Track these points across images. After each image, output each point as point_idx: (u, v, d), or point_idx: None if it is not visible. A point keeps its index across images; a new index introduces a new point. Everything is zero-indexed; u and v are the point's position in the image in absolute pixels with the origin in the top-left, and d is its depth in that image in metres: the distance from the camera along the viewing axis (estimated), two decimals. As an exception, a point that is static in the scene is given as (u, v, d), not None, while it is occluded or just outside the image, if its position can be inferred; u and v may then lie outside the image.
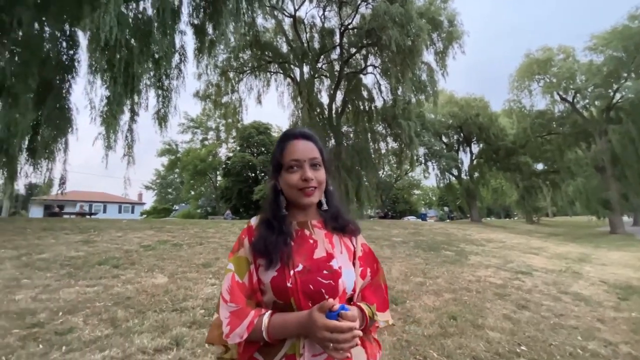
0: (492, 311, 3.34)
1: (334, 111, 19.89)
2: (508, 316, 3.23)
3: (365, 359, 0.79)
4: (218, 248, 5.37)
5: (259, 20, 16.97)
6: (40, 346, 2.06)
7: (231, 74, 19.29)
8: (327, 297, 0.73)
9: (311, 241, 0.82)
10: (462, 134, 31.12)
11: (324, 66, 20.99)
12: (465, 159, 31.70)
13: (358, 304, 0.80)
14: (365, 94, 20.51)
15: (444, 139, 33.14)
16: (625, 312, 3.61)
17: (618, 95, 21.11)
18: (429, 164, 33.01)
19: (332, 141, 19.61)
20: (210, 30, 8.91)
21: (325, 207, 0.88)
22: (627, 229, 23.18)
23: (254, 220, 0.85)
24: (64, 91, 7.14)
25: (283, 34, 19.58)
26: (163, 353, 2.12)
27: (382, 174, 38.07)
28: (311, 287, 0.74)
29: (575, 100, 23.03)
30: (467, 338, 2.70)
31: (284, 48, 20.14)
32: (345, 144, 19.24)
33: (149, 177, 49.47)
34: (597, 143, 21.64)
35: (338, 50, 19.48)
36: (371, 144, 20.01)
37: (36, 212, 29.14)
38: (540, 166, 31.55)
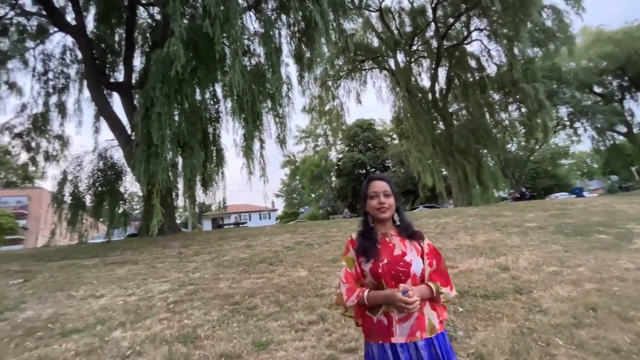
0: (657, 303, 2.85)
1: (437, 92, 18.63)
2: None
3: (436, 317, 1.23)
4: (341, 246, 6.22)
5: (348, 25, 17.63)
6: (241, 316, 3.21)
7: (329, 83, 20.66)
8: (403, 278, 1.21)
9: (391, 244, 1.30)
10: (625, 77, 23.62)
11: (419, 47, 19.93)
12: (636, 108, 23.98)
13: (427, 283, 1.24)
14: (473, 63, 18.33)
15: (597, 89, 25.93)
16: None
17: None
18: (578, 124, 26.47)
19: (440, 124, 18.39)
20: (307, 55, 10.09)
21: (398, 223, 1.35)
22: None
23: (354, 235, 1.40)
24: (216, 136, 9.71)
25: (372, 29, 19.67)
26: (314, 325, 2.93)
27: (512, 147, 32.65)
28: (393, 272, 1.23)
29: None
30: (608, 330, 2.49)
31: (375, 42, 20.18)
32: (456, 124, 17.70)
33: (277, 186, 57.57)
34: None
35: (433, 26, 18.17)
36: (488, 117, 17.73)
37: (206, 224, 38.48)
38: None
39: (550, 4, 14.73)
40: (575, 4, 14.47)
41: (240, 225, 22.26)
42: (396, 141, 32.55)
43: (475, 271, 4.14)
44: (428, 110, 17.65)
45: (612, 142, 24.34)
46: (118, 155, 10.41)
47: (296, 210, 52.46)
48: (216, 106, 9.68)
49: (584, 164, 57.09)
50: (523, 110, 16.39)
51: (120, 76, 12.89)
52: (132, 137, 9.03)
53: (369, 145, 37.44)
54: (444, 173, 19.65)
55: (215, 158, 9.89)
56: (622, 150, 25.44)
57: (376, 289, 1.26)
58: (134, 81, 12.05)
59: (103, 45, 12.55)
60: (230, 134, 9.04)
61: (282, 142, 8.91)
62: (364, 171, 37.40)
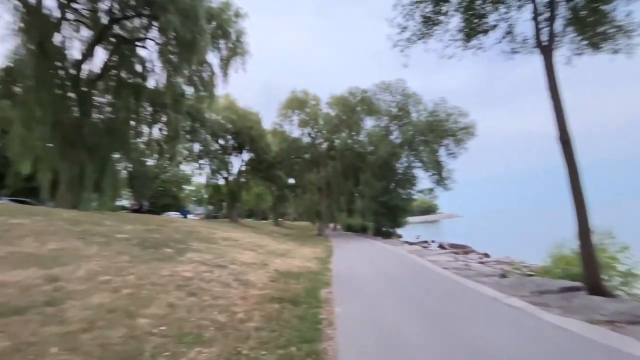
0: (160, 301, 3.86)
1: (86, 73, 15.76)
2: (172, 304, 3.85)
3: None
4: None
5: None
6: None
7: None
8: None
9: None
10: (237, 141, 33.72)
11: (85, 10, 16.32)
12: (236, 164, 34.34)
13: None
14: (139, 68, 17.78)
15: (221, 142, 34.54)
16: (266, 290, 5.28)
17: (337, 141, 30.78)
18: (203, 162, 33.16)
19: (75, 109, 15.38)
20: None
21: None
22: (328, 233, 33.71)
23: None
24: None
25: None
26: None
27: (150, 162, 34.06)
28: None
29: (315, 137, 31.17)
30: (113, 328, 2.96)
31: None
32: (95, 118, 15.67)
33: None
34: (321, 171, 30.21)
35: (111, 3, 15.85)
36: (134, 125, 17.50)
37: None
38: (291, 181, 39.12)
39: (211, 63, 18.36)
40: (225, 75, 19.06)
41: None
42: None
43: (11, 284, 3.44)
44: (63, 85, 14.22)
45: (216, 182, 32.91)
46: None
47: None
48: None
49: (199, 193, 71.60)
50: (165, 133, 18.00)
51: None
52: None
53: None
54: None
55: None
56: (220, 189, 35.13)
57: None
58: None
59: None
60: None
61: None
62: None
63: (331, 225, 44.96)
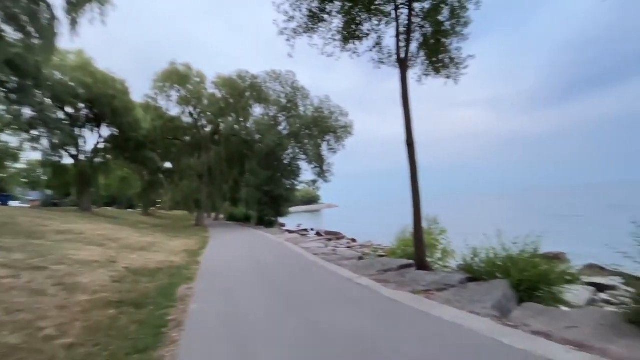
0: None
1: None
2: None
3: None
4: None
5: None
6: None
7: None
8: None
9: None
10: (92, 111, 27.23)
11: None
12: (91, 140, 27.79)
13: None
14: None
15: (69, 109, 27.24)
16: (102, 293, 4.33)
17: (222, 126, 28.83)
18: (37, 132, 25.43)
19: None
20: None
21: None
22: (209, 223, 31.55)
23: None
24: None
25: None
26: None
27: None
28: None
29: (198, 118, 28.33)
30: None
31: None
32: None
33: None
34: (202, 156, 27.77)
35: None
36: None
37: None
38: (167, 165, 34.35)
39: (52, 4, 13.96)
40: (72, 25, 14.86)
41: None
42: None
43: None
44: None
45: (59, 160, 25.89)
46: None
47: None
48: None
49: (34, 173, 55.08)
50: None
51: None
52: None
53: None
54: None
55: None
56: (66, 170, 27.82)
57: None
58: None
59: None
60: None
61: None
62: None
63: (213, 215, 42.20)
